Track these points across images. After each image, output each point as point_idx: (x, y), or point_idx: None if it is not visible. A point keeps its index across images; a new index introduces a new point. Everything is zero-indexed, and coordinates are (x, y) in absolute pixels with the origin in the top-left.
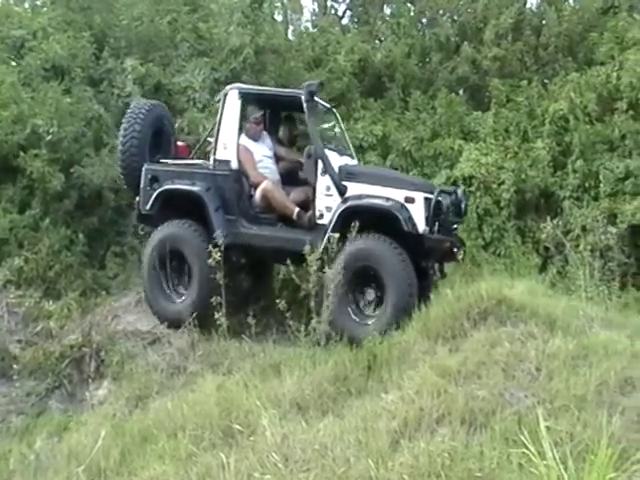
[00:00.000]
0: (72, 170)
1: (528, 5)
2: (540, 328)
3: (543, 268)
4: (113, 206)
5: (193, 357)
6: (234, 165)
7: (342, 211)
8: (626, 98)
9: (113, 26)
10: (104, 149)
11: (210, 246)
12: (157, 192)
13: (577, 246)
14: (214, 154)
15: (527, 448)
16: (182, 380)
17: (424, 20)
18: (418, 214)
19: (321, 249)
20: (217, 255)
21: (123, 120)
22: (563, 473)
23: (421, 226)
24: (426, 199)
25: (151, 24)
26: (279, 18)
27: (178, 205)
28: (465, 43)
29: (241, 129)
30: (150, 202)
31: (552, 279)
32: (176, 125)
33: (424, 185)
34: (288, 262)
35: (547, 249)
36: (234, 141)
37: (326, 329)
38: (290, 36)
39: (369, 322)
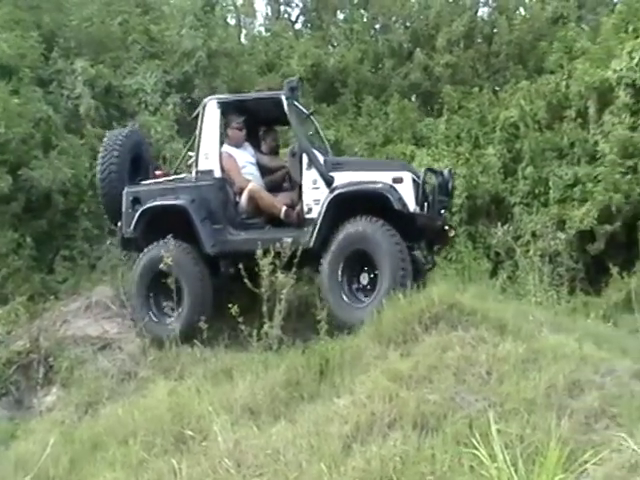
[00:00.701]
0: (20, 172)
1: (480, 13)
2: (491, 332)
3: (494, 273)
4: (62, 209)
5: (144, 362)
6: (217, 174)
7: (331, 200)
8: (575, 106)
9: (63, 26)
10: (53, 151)
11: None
12: (140, 211)
13: (527, 251)
14: (196, 166)
15: (478, 451)
16: (133, 386)
17: (377, 26)
18: (407, 193)
19: (312, 243)
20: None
21: (101, 147)
22: (513, 475)
23: (411, 205)
24: (414, 179)
25: (102, 25)
26: (232, 22)
27: (162, 225)
28: (418, 50)
29: (222, 138)
30: (133, 223)
31: (503, 284)
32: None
33: (411, 167)
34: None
35: (498, 254)
36: (216, 150)
37: (278, 333)
38: (243, 40)
39: (362, 306)
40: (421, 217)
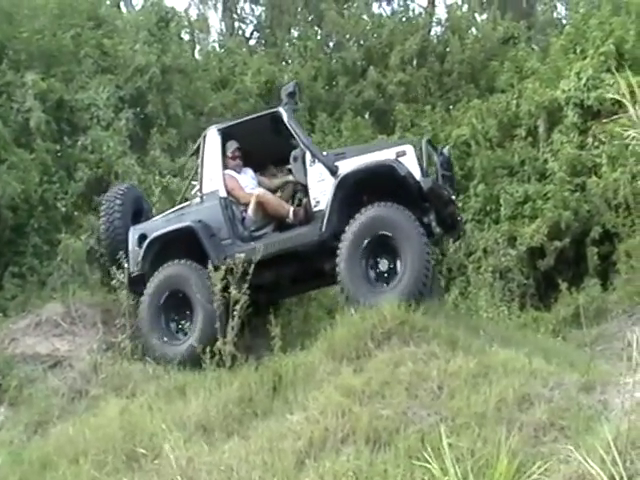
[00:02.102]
0: None
1: (432, 33)
2: (442, 348)
3: (446, 289)
4: (11, 225)
5: (96, 380)
6: (222, 193)
7: (337, 184)
8: (525, 125)
9: (13, 38)
10: (2, 165)
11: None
12: (148, 241)
13: (479, 267)
14: (201, 190)
15: (430, 465)
16: (84, 404)
17: (331, 44)
18: (412, 164)
19: (323, 230)
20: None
21: (102, 201)
22: None
23: (417, 174)
24: (416, 152)
25: (53, 38)
26: (186, 37)
27: (169, 257)
28: (371, 67)
29: (224, 161)
30: (140, 256)
31: (454, 300)
32: (79, 143)
33: (412, 140)
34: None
35: (450, 270)
36: (219, 172)
37: (231, 350)
38: (197, 56)
39: (385, 290)
40: (427, 184)
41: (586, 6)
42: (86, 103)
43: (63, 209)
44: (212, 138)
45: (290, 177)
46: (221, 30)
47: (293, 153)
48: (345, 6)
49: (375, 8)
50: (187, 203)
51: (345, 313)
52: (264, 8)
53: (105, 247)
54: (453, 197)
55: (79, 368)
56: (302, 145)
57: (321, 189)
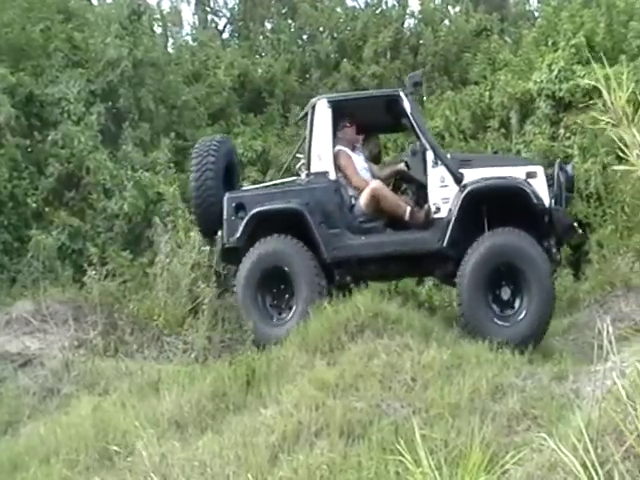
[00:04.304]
0: None
1: (406, 25)
2: (416, 340)
3: (419, 281)
4: None
5: (67, 378)
6: (332, 176)
7: (465, 196)
8: (498, 117)
9: None
10: None
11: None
12: (249, 216)
13: None
14: (307, 168)
15: (403, 457)
16: (55, 403)
17: (304, 36)
18: (542, 188)
19: (445, 243)
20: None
21: (193, 154)
22: (438, 479)
23: (546, 200)
24: (546, 174)
25: (22, 31)
26: (158, 30)
27: (266, 233)
28: (344, 60)
29: (334, 139)
30: (240, 230)
31: (428, 292)
32: (49, 138)
33: (539, 161)
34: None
35: None
36: (329, 151)
37: (204, 344)
38: (169, 49)
39: (509, 323)
40: (557, 212)
41: None
42: (56, 97)
43: (33, 205)
44: (322, 110)
45: (400, 166)
46: (194, 23)
47: (412, 147)
48: None
49: (349, 1)
50: (292, 179)
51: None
52: (237, 1)
53: (195, 207)
54: (575, 224)
55: (50, 366)
56: (425, 141)
57: (443, 195)
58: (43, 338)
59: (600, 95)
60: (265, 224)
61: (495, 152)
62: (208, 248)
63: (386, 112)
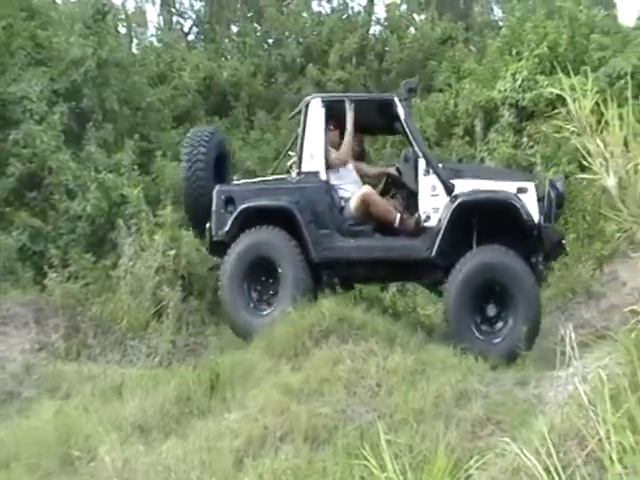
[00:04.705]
0: None
1: (372, 31)
2: (380, 345)
3: (384, 287)
4: None
5: (28, 382)
6: (323, 176)
7: (455, 207)
8: (462, 124)
9: None
10: None
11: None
12: (239, 210)
13: None
14: (299, 167)
15: (369, 461)
16: (16, 407)
17: (270, 40)
18: (532, 204)
19: (433, 253)
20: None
21: (185, 143)
22: None
23: (536, 216)
24: (536, 190)
25: None
26: (122, 31)
27: (254, 224)
28: (310, 65)
29: (326, 139)
30: (229, 224)
31: (392, 297)
32: (10, 137)
33: (531, 176)
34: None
35: None
36: (321, 151)
37: (168, 348)
38: (134, 50)
39: (495, 340)
40: (546, 229)
41: (521, 10)
42: (18, 96)
43: None
44: (315, 110)
45: (390, 170)
46: (159, 24)
47: (404, 153)
48: (285, 3)
49: (315, 6)
50: (283, 176)
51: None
52: (203, 3)
53: (185, 197)
54: (564, 241)
55: (11, 369)
56: (417, 149)
57: (433, 204)
58: (3, 341)
59: (563, 104)
60: (254, 220)
61: (482, 162)
62: (173, 252)
63: (379, 116)
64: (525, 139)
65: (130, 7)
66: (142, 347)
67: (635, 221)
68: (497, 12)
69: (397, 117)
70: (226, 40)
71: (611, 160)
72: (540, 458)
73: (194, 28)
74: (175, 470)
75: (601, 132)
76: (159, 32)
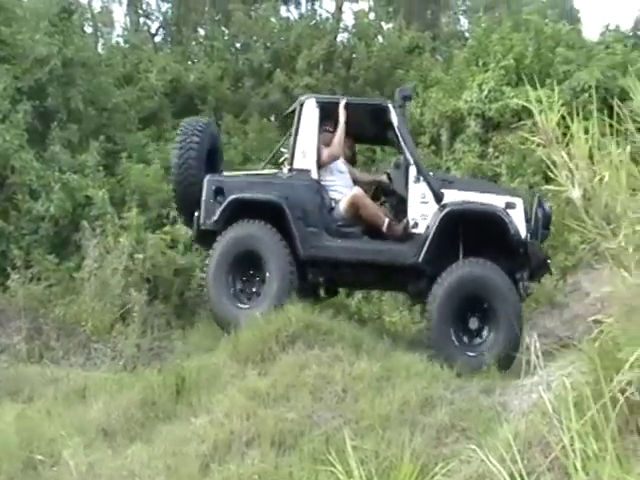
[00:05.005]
0: None
1: (339, 38)
2: (347, 351)
3: (349, 293)
4: None
5: None
6: (314, 175)
7: (444, 216)
8: (428, 133)
9: None
10: None
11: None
12: (228, 201)
13: None
14: (290, 163)
15: (335, 467)
16: None
17: (238, 45)
18: (519, 219)
19: (420, 259)
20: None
21: (179, 131)
22: None
23: (523, 232)
24: (524, 207)
25: None
26: (89, 30)
27: (243, 216)
28: (278, 70)
29: (319, 139)
30: (217, 214)
31: (358, 304)
32: None
33: (520, 192)
34: None
35: None
36: (314, 150)
37: (133, 352)
38: (100, 50)
39: (475, 353)
40: (532, 246)
41: (488, 21)
42: None
43: None
44: (310, 110)
45: (382, 177)
46: (125, 25)
47: (396, 160)
48: (253, 7)
49: (283, 11)
50: (274, 171)
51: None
52: (170, 5)
53: (175, 184)
54: (549, 261)
55: None
56: (409, 156)
57: (422, 211)
58: None
59: (529, 116)
60: (243, 212)
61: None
62: (142, 256)
63: (372, 122)
64: (491, 149)
65: (96, 6)
66: (106, 350)
67: (599, 233)
68: (464, 23)
69: (390, 124)
70: (193, 43)
71: (576, 172)
72: (505, 465)
73: (161, 30)
74: (140, 475)
75: (566, 144)
76: (126, 33)
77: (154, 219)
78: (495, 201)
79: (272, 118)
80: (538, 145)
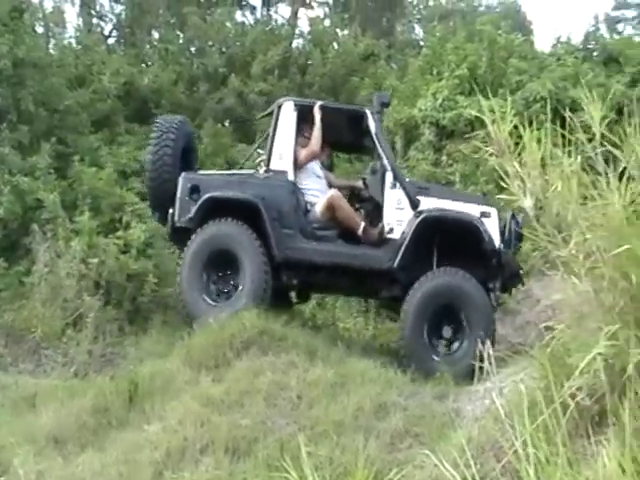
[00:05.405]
0: None
1: (295, 44)
2: (301, 357)
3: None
4: None
5: None
6: (290, 177)
7: (420, 222)
8: None
9: None
10: None
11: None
12: (204, 199)
13: None
14: (267, 165)
15: (289, 474)
16: None
17: (193, 49)
18: (494, 229)
19: (396, 264)
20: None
21: (154, 128)
22: None
23: (497, 241)
24: (498, 217)
25: None
26: (40, 30)
27: (217, 215)
28: (232, 75)
29: (297, 142)
30: (193, 211)
31: (312, 310)
32: None
33: (494, 202)
34: None
35: None
36: (290, 152)
37: (85, 359)
38: (52, 50)
39: (447, 361)
40: (506, 256)
41: (442, 31)
42: None
43: None
44: (288, 112)
45: (357, 183)
46: (78, 25)
47: (372, 166)
48: (208, 11)
49: (238, 16)
50: (250, 172)
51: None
52: (124, 7)
53: (149, 181)
54: (522, 272)
55: None
56: (386, 162)
57: (398, 217)
58: None
59: (482, 125)
60: (218, 211)
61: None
62: (96, 260)
63: (348, 128)
64: (444, 157)
65: (48, 6)
66: (57, 357)
67: (550, 241)
68: (419, 31)
69: (367, 130)
70: (147, 46)
71: (528, 181)
72: (458, 470)
73: (114, 32)
74: None
75: (519, 154)
76: (78, 33)
77: (107, 223)
78: (471, 210)
79: (227, 123)
80: (491, 154)
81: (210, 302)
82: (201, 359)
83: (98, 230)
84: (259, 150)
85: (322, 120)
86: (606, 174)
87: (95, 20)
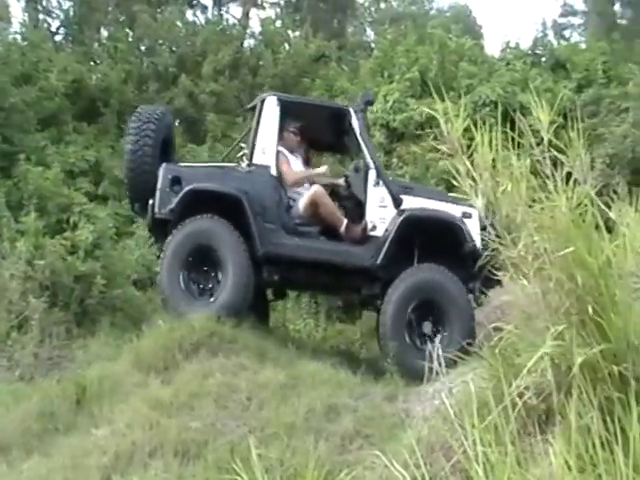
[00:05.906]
0: None
1: (246, 45)
2: (251, 359)
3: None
4: None
5: None
6: (273, 171)
7: (402, 220)
8: None
9: None
10: None
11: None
12: (185, 191)
13: None
14: (250, 159)
15: (240, 476)
16: None
17: (142, 47)
18: (475, 230)
19: (379, 261)
20: None
21: (133, 118)
22: None
23: (478, 242)
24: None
25: None
26: None
27: (197, 211)
28: (183, 75)
29: (280, 137)
30: (174, 203)
31: None
32: None
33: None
34: None
35: None
36: (273, 147)
37: (30, 362)
38: None
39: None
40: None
41: (393, 33)
42: None
43: None
44: (270, 107)
45: (338, 181)
46: (24, 21)
47: (355, 163)
48: (159, 10)
49: (189, 15)
50: (233, 165)
51: (153, 324)
52: (72, 3)
53: (128, 171)
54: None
55: None
56: (370, 160)
57: (380, 215)
58: None
59: (433, 127)
60: (199, 204)
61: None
62: (43, 262)
63: (330, 126)
64: (395, 160)
65: None
66: (2, 360)
67: (499, 242)
68: (370, 33)
69: (350, 128)
70: (96, 44)
71: (479, 182)
72: (409, 470)
73: (62, 29)
74: None
75: (470, 155)
76: (24, 29)
77: (53, 224)
78: (453, 210)
79: (177, 123)
80: (443, 154)
81: (191, 299)
82: (150, 361)
83: (44, 231)
84: (242, 144)
85: (302, 117)
86: (553, 177)
87: (42, 16)
